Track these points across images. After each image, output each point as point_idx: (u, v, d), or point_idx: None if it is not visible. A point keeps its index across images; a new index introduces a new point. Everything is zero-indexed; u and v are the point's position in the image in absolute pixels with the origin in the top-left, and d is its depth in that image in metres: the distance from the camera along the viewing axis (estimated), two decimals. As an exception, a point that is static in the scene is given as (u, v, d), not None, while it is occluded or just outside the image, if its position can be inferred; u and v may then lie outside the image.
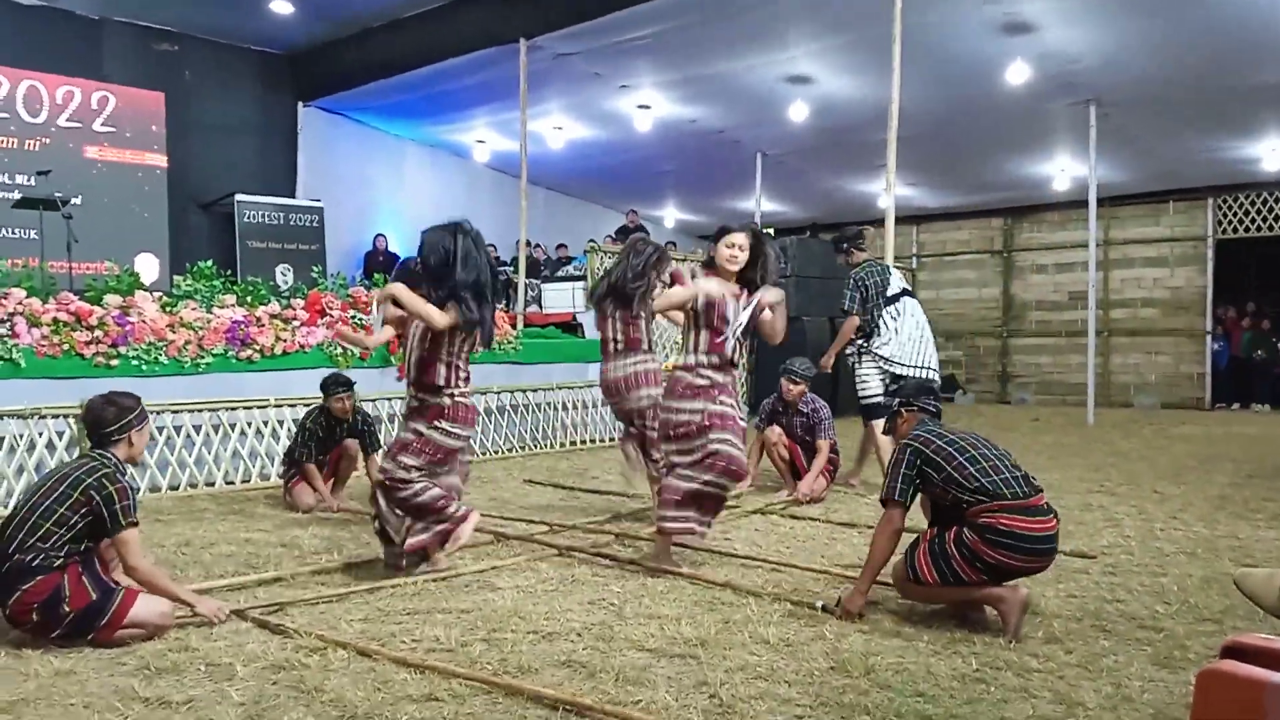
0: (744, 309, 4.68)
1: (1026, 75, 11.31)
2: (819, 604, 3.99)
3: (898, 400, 4.17)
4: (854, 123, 13.37)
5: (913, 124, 11.39)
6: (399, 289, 4.42)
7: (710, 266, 4.85)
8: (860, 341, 7.08)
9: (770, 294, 4.75)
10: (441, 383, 4.48)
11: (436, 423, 4.49)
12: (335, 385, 6.32)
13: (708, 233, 24.43)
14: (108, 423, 3.68)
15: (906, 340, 7.00)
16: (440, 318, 4.37)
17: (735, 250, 4.70)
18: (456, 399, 4.52)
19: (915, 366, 6.96)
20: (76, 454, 3.76)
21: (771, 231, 16.00)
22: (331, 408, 6.34)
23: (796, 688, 3.05)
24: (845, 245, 7.31)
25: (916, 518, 4.01)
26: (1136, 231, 16.73)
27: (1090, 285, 13.51)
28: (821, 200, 17.94)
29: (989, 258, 18.54)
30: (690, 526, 4.66)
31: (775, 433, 6.76)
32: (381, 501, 4.51)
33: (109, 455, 3.64)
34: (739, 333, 4.68)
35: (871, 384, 7.04)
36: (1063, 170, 15.47)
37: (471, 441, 4.85)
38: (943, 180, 16.61)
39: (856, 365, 7.14)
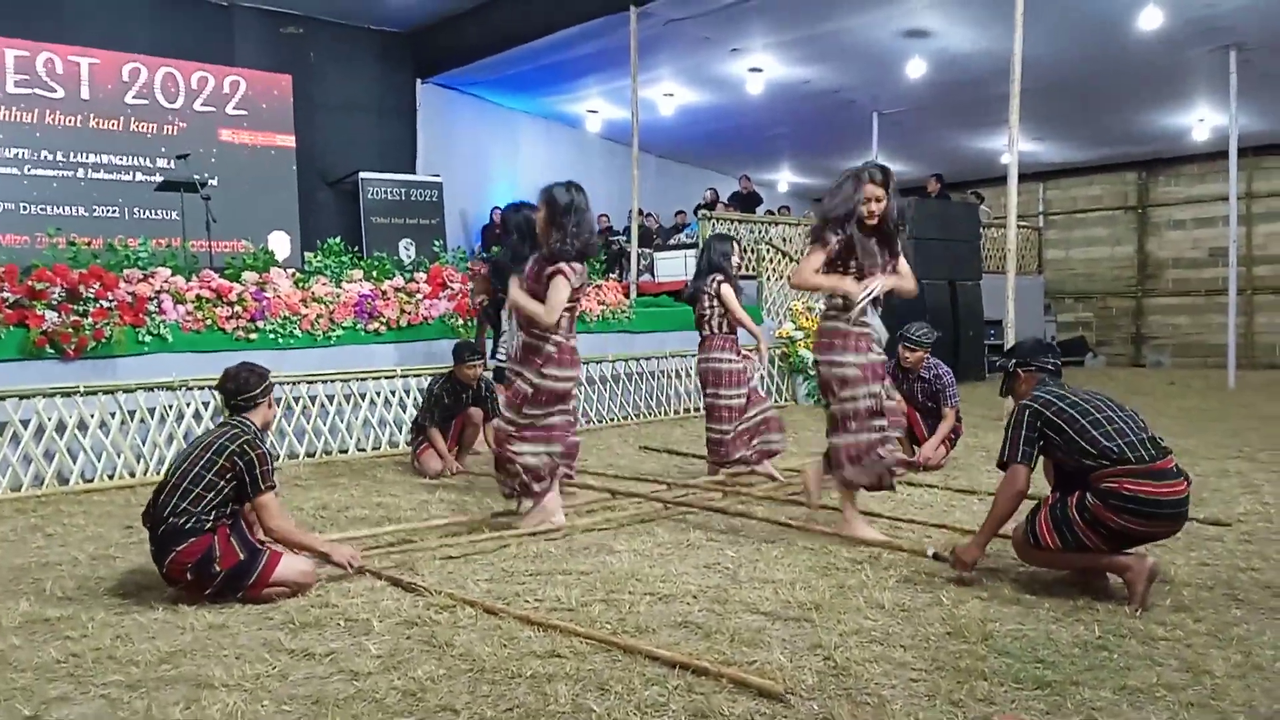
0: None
1: (1160, 20, 10.75)
2: (930, 550, 3.96)
3: (1014, 360, 3.96)
4: (975, 76, 12.94)
5: (1038, 75, 10.94)
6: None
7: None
8: None
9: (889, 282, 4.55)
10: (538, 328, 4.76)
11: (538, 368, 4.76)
12: (469, 353, 6.63)
13: (821, 196, 24.04)
14: (251, 388, 3.90)
15: None
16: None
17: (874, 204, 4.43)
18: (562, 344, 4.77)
19: None
20: (220, 422, 3.99)
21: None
22: (463, 374, 6.60)
23: (912, 652, 3.05)
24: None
25: (1040, 484, 3.93)
26: (1283, 183, 15.79)
27: (1232, 241, 12.73)
28: (941, 158, 17.43)
29: (1122, 214, 17.75)
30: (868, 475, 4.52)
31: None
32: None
33: (248, 422, 3.85)
34: (872, 297, 4.49)
35: None
36: (1201, 120, 14.65)
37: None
38: (1071, 134, 15.94)
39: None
